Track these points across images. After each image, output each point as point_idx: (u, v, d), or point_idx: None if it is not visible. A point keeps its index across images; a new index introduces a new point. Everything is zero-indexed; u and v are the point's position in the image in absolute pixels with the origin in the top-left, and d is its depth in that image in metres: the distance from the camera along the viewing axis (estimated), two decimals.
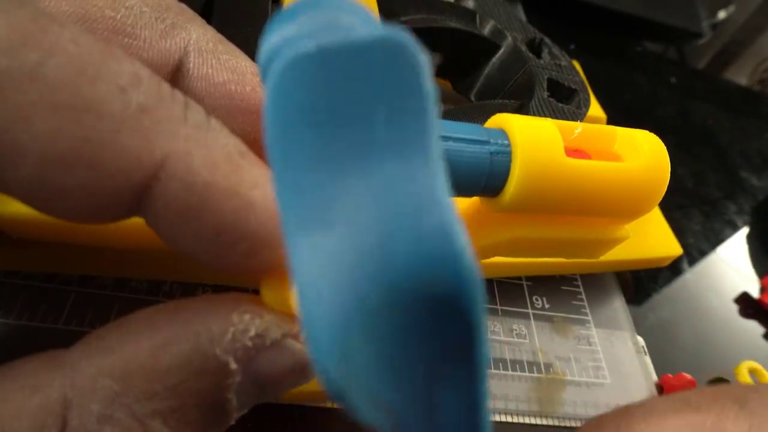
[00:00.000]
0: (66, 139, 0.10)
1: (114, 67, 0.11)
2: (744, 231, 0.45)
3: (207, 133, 0.12)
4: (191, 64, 0.16)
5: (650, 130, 0.19)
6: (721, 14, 0.77)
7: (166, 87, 0.12)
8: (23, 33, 0.10)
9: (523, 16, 0.51)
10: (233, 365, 0.12)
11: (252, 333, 0.12)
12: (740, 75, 0.78)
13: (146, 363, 0.11)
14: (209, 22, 0.17)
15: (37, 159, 0.10)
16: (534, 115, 0.27)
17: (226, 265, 0.12)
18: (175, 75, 0.16)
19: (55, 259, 0.21)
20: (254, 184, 0.12)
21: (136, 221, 0.12)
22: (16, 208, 0.17)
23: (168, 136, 0.11)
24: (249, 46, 0.23)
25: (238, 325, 0.12)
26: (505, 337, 0.26)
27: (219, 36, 0.17)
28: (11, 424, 0.10)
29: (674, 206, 0.43)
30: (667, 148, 0.18)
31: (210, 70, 0.16)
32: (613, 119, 0.39)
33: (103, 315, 0.22)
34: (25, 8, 0.10)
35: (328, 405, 0.23)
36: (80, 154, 0.10)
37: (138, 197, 0.11)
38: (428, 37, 0.30)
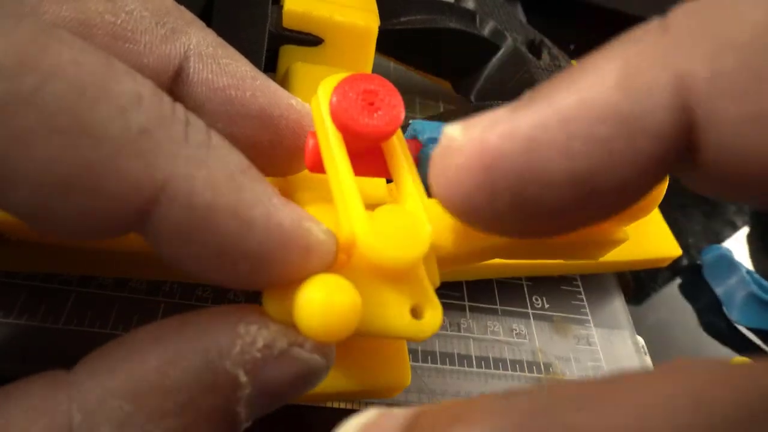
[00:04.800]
0: (64, 164, 0.10)
1: (115, 87, 0.11)
2: (744, 231, 0.45)
3: (208, 152, 0.12)
4: (191, 69, 0.16)
5: None
6: None
7: (167, 104, 0.12)
8: (22, 55, 0.10)
9: (522, 17, 0.51)
10: (243, 377, 0.12)
11: (260, 344, 0.12)
12: None
13: (156, 381, 0.11)
14: (208, 24, 0.17)
15: (34, 184, 0.10)
16: None
17: (227, 283, 0.12)
18: (176, 80, 0.16)
19: (55, 259, 0.21)
20: (255, 202, 0.12)
21: None
22: None
23: (169, 158, 0.11)
24: (249, 49, 0.23)
25: (246, 336, 0.12)
26: (505, 337, 0.26)
27: (219, 40, 0.17)
28: None
29: (674, 206, 0.43)
30: None
31: (210, 75, 0.16)
32: None
33: (103, 315, 0.22)
34: (24, 27, 0.10)
35: (328, 405, 0.23)
36: (78, 178, 0.10)
37: (138, 219, 0.11)
38: (428, 37, 0.31)
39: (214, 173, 0.11)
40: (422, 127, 0.16)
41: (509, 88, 0.31)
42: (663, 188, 0.18)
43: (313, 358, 0.13)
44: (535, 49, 0.32)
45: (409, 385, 0.20)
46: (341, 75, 0.15)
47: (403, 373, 0.19)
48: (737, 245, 0.43)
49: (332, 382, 0.18)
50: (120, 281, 0.23)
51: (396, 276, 0.13)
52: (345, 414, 0.23)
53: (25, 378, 0.12)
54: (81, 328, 0.21)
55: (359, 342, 0.18)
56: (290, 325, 0.13)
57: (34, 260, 0.21)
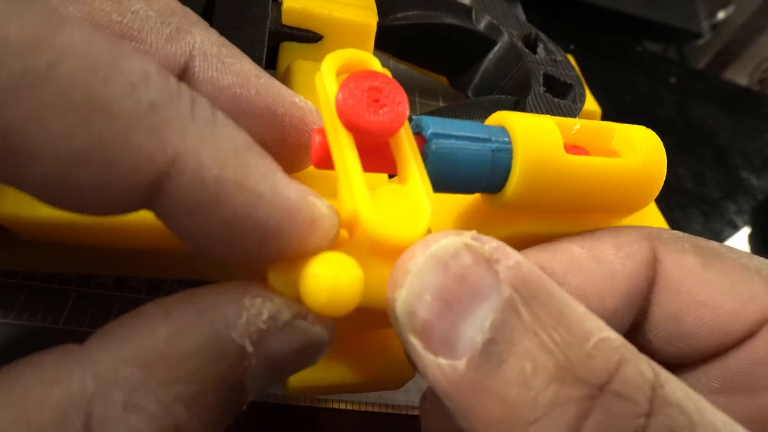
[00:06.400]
0: (80, 138, 0.10)
1: (124, 65, 0.11)
2: (744, 231, 0.45)
3: (214, 127, 0.12)
4: (197, 68, 0.16)
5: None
6: (721, 14, 0.77)
7: (173, 82, 0.12)
8: (35, 34, 0.10)
9: (522, 16, 0.51)
10: (249, 348, 0.12)
11: (265, 316, 0.13)
12: (740, 75, 0.78)
13: (166, 350, 0.12)
14: (210, 23, 0.17)
15: (51, 159, 0.10)
16: (530, 110, 0.27)
17: (235, 256, 0.13)
18: (181, 79, 0.16)
19: (55, 259, 0.21)
20: (261, 176, 0.12)
21: (137, 221, 0.12)
22: (23, 209, 0.17)
23: (178, 132, 0.11)
24: (249, 46, 0.23)
25: (251, 309, 0.13)
26: None
27: (222, 39, 0.17)
28: (35, 417, 0.10)
29: (674, 206, 0.43)
30: (667, 149, 0.18)
31: (215, 74, 0.16)
32: (613, 119, 0.39)
33: (103, 315, 0.22)
34: (35, 8, 0.10)
35: (329, 406, 0.23)
36: (93, 153, 0.11)
37: (149, 193, 0.11)
38: (425, 33, 0.31)
39: (221, 148, 0.12)
40: (426, 122, 0.16)
41: (506, 83, 0.31)
42: (660, 182, 0.18)
43: (315, 330, 0.13)
44: (531, 43, 0.32)
45: (410, 384, 0.20)
46: (344, 51, 0.15)
47: (407, 365, 0.19)
48: (738, 246, 0.43)
49: (338, 374, 0.18)
50: (120, 281, 0.23)
51: (396, 253, 0.13)
52: (345, 414, 0.23)
53: (39, 351, 0.12)
54: (81, 329, 0.21)
55: (364, 335, 0.18)
56: (294, 299, 0.13)
57: (34, 260, 0.21)
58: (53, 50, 0.10)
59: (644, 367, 0.12)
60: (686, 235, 0.18)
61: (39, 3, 0.10)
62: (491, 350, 0.11)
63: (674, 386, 0.12)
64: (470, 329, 0.12)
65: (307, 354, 0.14)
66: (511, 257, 0.12)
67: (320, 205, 0.13)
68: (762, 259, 0.17)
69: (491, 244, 0.12)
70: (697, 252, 0.17)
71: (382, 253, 0.14)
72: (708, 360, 0.17)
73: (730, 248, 0.17)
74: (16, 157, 0.10)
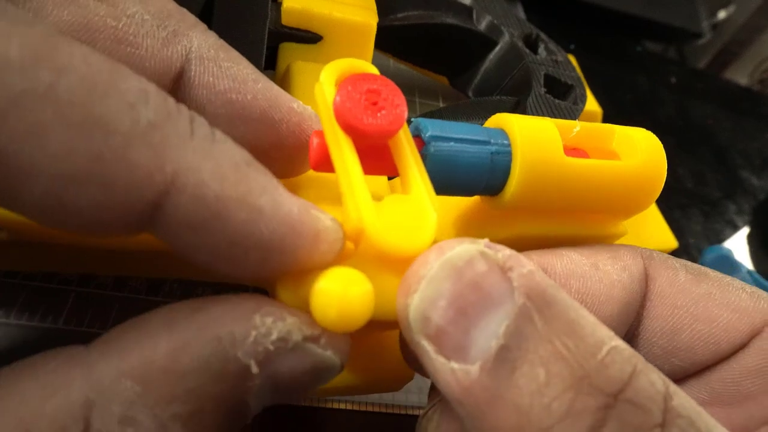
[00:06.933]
0: (79, 156, 0.10)
1: (122, 84, 0.11)
2: (744, 231, 0.45)
3: (213, 144, 0.12)
4: (193, 72, 0.16)
5: (650, 130, 0.19)
6: (721, 14, 0.77)
7: (171, 101, 0.12)
8: (36, 53, 0.10)
9: (522, 16, 0.51)
10: (254, 369, 0.12)
11: (274, 336, 0.12)
12: (740, 75, 0.78)
13: (166, 365, 0.11)
14: (209, 23, 0.17)
15: (49, 177, 0.10)
16: (531, 111, 0.27)
17: (240, 272, 0.12)
18: (177, 83, 0.16)
19: (55, 259, 0.21)
20: (262, 191, 0.12)
21: None
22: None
23: (177, 150, 0.11)
24: (249, 47, 0.23)
25: (261, 327, 0.12)
26: None
27: (221, 42, 0.17)
28: (33, 426, 0.10)
29: (674, 206, 0.43)
30: (667, 148, 0.18)
31: (211, 78, 0.16)
32: (613, 119, 0.39)
33: (103, 315, 0.22)
34: (36, 27, 0.10)
35: (329, 406, 0.23)
36: (92, 171, 0.10)
37: (149, 213, 0.11)
38: (425, 33, 0.31)
39: (220, 164, 0.12)
40: (425, 124, 0.16)
41: (506, 83, 0.31)
42: (660, 184, 0.18)
43: (326, 355, 0.13)
44: (532, 43, 0.32)
45: (410, 384, 0.20)
46: (343, 61, 0.15)
47: (407, 367, 0.19)
48: (738, 245, 0.43)
49: (338, 375, 0.18)
50: (120, 281, 0.23)
51: (403, 264, 0.13)
52: (345, 414, 0.23)
53: (44, 353, 0.12)
54: (81, 329, 0.21)
55: (363, 337, 0.18)
56: (304, 312, 0.13)
57: (34, 260, 0.21)
58: (53, 68, 0.10)
59: (655, 378, 0.12)
60: (674, 257, 0.18)
61: (39, 22, 0.11)
62: (505, 357, 0.11)
63: (682, 399, 0.12)
64: (484, 335, 0.12)
65: (315, 378, 0.13)
66: (524, 266, 0.12)
67: (324, 218, 0.13)
68: (741, 281, 0.18)
69: (504, 252, 0.13)
70: (687, 270, 0.17)
71: (388, 264, 0.14)
72: (695, 374, 0.17)
73: (713, 270, 0.18)
74: (14, 176, 0.10)
